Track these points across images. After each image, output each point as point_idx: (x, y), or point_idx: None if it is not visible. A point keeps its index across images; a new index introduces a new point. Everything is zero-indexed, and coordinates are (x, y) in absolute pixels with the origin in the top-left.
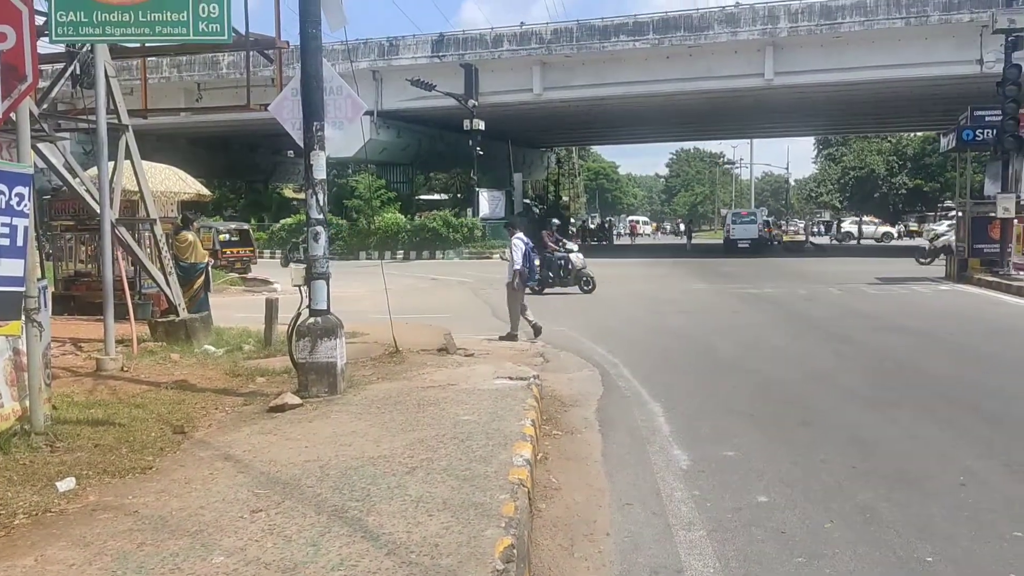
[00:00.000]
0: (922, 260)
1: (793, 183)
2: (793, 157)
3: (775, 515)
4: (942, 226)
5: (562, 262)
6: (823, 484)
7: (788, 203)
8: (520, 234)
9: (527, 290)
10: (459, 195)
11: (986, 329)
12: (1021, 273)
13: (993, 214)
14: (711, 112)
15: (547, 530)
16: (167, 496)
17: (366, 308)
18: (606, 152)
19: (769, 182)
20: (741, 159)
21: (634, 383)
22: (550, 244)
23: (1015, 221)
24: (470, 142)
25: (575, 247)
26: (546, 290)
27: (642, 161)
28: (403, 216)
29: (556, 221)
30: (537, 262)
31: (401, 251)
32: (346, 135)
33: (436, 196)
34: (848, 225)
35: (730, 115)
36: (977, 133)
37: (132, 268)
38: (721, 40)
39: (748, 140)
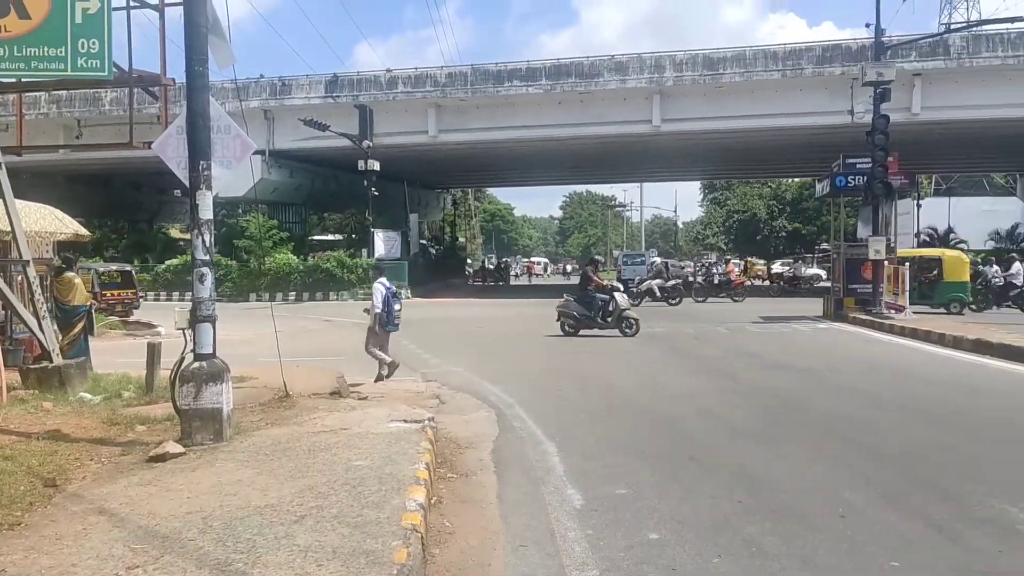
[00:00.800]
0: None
1: (681, 225)
2: (681, 200)
3: (666, 552)
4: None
5: (602, 302)
6: (712, 519)
7: (677, 245)
8: (383, 279)
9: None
10: (354, 235)
11: (862, 366)
12: (892, 312)
13: (866, 256)
14: (603, 156)
15: None
16: (36, 553)
17: (256, 351)
18: (502, 194)
19: (659, 224)
20: (632, 202)
21: (529, 423)
22: (595, 281)
23: (885, 262)
24: (365, 182)
25: (620, 287)
26: (582, 331)
27: (537, 203)
28: (296, 257)
29: (600, 259)
30: (398, 307)
31: (294, 292)
32: (235, 174)
33: (330, 236)
34: (778, 267)
35: (621, 159)
36: (849, 179)
37: (2, 312)
38: (611, 87)
39: (638, 183)
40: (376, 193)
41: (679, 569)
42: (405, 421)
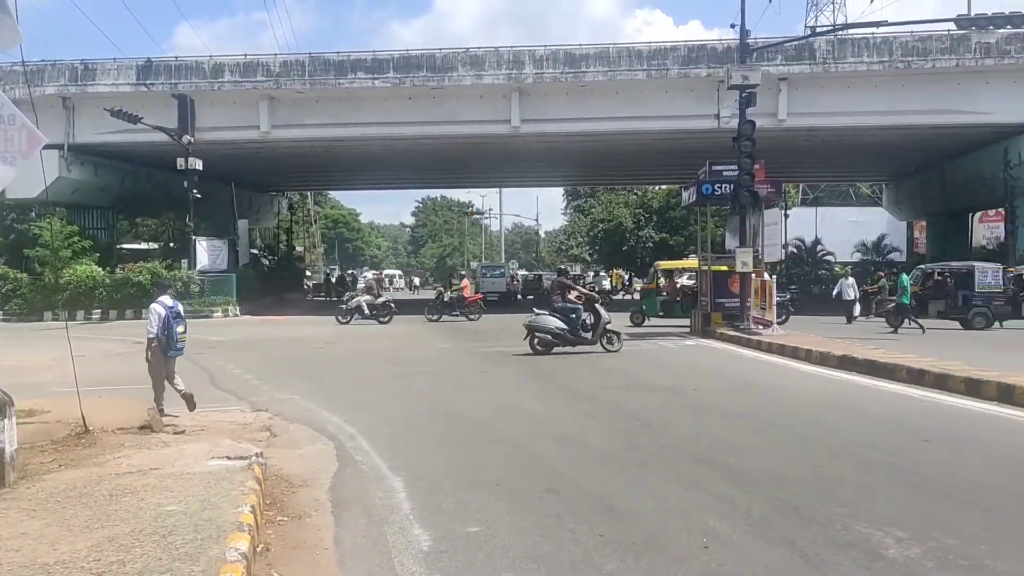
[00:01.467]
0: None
1: (543, 235)
2: (543, 208)
3: None
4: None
5: (585, 317)
6: (570, 556)
7: (539, 255)
8: (165, 297)
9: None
10: (172, 244)
11: (728, 385)
12: (759, 327)
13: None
14: (458, 158)
15: None
16: None
17: (50, 380)
18: (347, 198)
19: (520, 233)
20: (490, 209)
21: (373, 456)
22: (578, 290)
23: (753, 275)
24: (185, 183)
25: (597, 297)
26: (556, 349)
27: (387, 209)
28: (101, 269)
29: (576, 272)
30: (181, 328)
31: (99, 310)
32: (23, 172)
33: (144, 245)
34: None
35: (478, 162)
36: (716, 188)
37: None
38: (466, 83)
39: (497, 189)
40: (199, 195)
41: None
42: (228, 458)
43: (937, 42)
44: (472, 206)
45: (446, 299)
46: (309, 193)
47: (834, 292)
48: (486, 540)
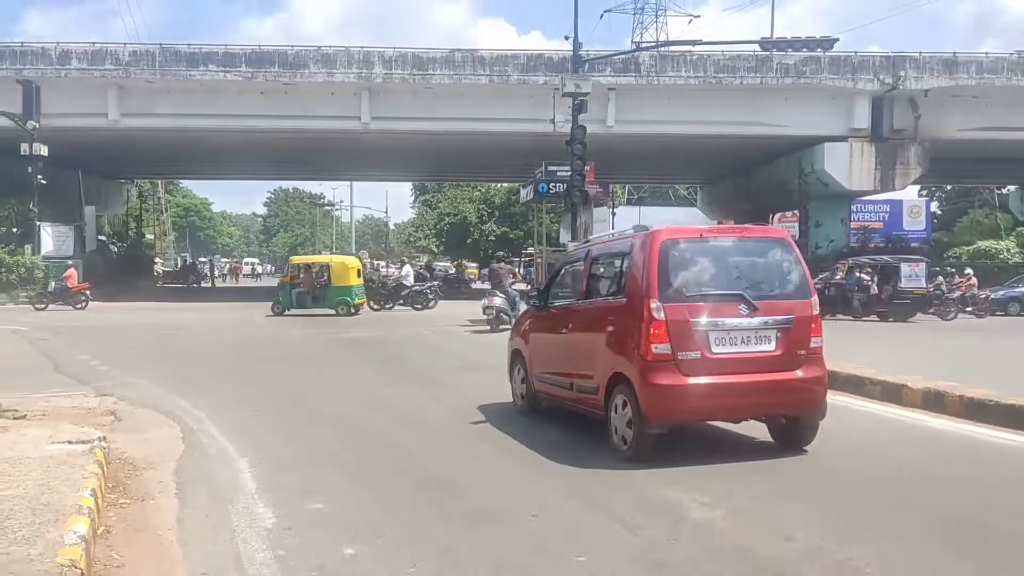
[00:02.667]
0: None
1: (393, 227)
2: (392, 201)
3: (361, 567)
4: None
5: (520, 298)
6: (410, 529)
7: (388, 246)
8: None
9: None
10: (15, 229)
11: None
12: None
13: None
14: (310, 152)
15: None
16: None
17: None
18: (199, 187)
19: (370, 225)
20: (342, 201)
21: (220, 439)
22: (516, 278)
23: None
24: (29, 169)
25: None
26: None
27: (239, 199)
28: None
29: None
30: None
31: None
32: None
33: None
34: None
35: (329, 156)
36: (551, 186)
37: None
38: (317, 80)
39: (348, 182)
40: (43, 181)
41: None
42: (70, 442)
43: (744, 61)
44: (324, 198)
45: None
46: (160, 181)
47: None
48: (329, 516)
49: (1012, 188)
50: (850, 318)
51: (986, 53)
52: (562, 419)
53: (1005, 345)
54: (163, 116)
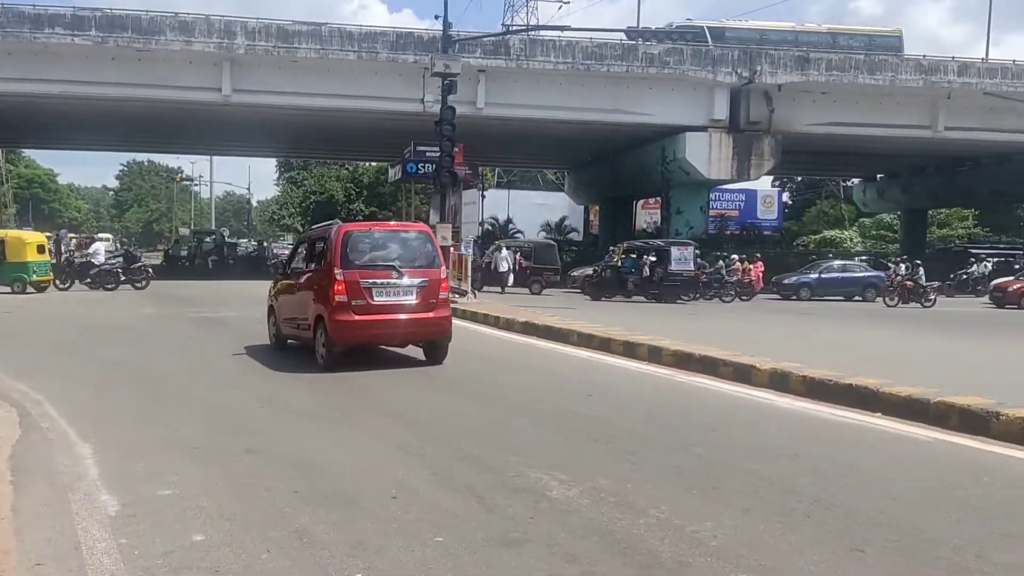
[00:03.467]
0: None
1: (256, 204)
2: (256, 177)
3: (210, 553)
4: None
5: None
6: (264, 513)
7: (251, 224)
8: None
9: None
10: None
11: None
12: (456, 296)
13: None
14: (166, 123)
15: None
16: None
17: None
18: (44, 157)
19: (231, 202)
20: (201, 176)
21: (60, 423)
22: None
23: (452, 249)
24: None
25: None
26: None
27: (88, 171)
28: None
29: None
30: None
31: None
32: None
33: None
34: None
35: (188, 128)
36: (420, 167)
37: None
38: (175, 48)
39: (208, 157)
40: None
41: (223, 570)
42: None
43: (611, 49)
44: (181, 172)
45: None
46: (0, 150)
47: (484, 262)
48: (177, 502)
49: (856, 181)
50: (623, 299)
51: (835, 52)
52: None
53: (750, 319)
54: (3, 80)
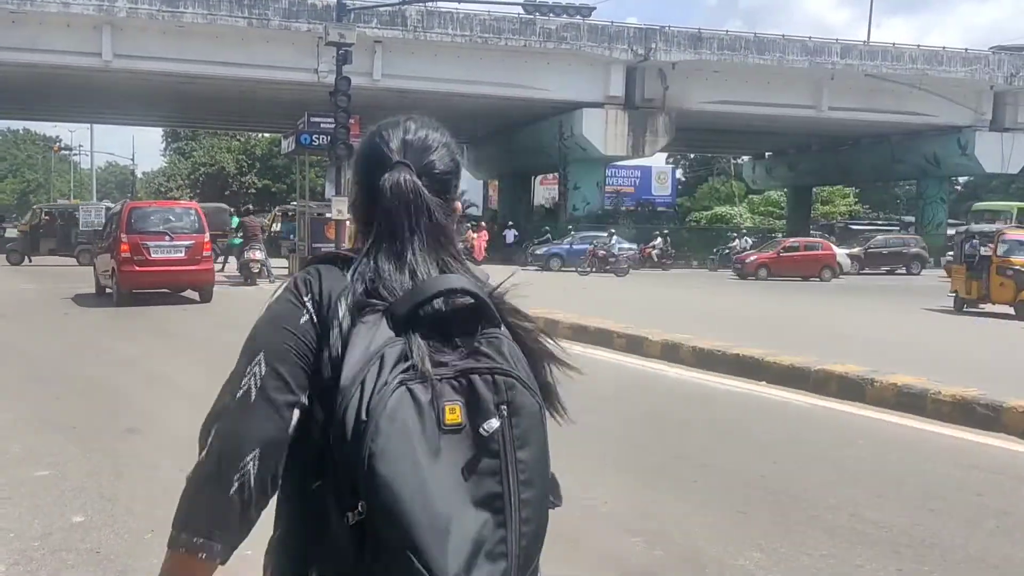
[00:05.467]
0: None
1: (141, 175)
2: (140, 147)
3: (91, 535)
4: None
5: None
6: (148, 493)
7: (135, 196)
8: None
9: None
10: None
11: None
12: None
13: (330, 215)
14: (42, 89)
15: None
16: None
17: None
18: None
19: (115, 172)
20: (81, 146)
21: None
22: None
23: (347, 223)
24: None
25: None
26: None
27: None
28: None
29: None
30: None
31: None
32: None
33: None
34: None
35: (65, 95)
36: (314, 138)
37: None
38: (51, 10)
39: (89, 125)
40: None
41: (104, 551)
42: None
43: (509, 23)
44: (60, 141)
45: None
46: None
47: None
48: (56, 483)
49: (746, 159)
50: None
51: (727, 31)
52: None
53: None
54: None
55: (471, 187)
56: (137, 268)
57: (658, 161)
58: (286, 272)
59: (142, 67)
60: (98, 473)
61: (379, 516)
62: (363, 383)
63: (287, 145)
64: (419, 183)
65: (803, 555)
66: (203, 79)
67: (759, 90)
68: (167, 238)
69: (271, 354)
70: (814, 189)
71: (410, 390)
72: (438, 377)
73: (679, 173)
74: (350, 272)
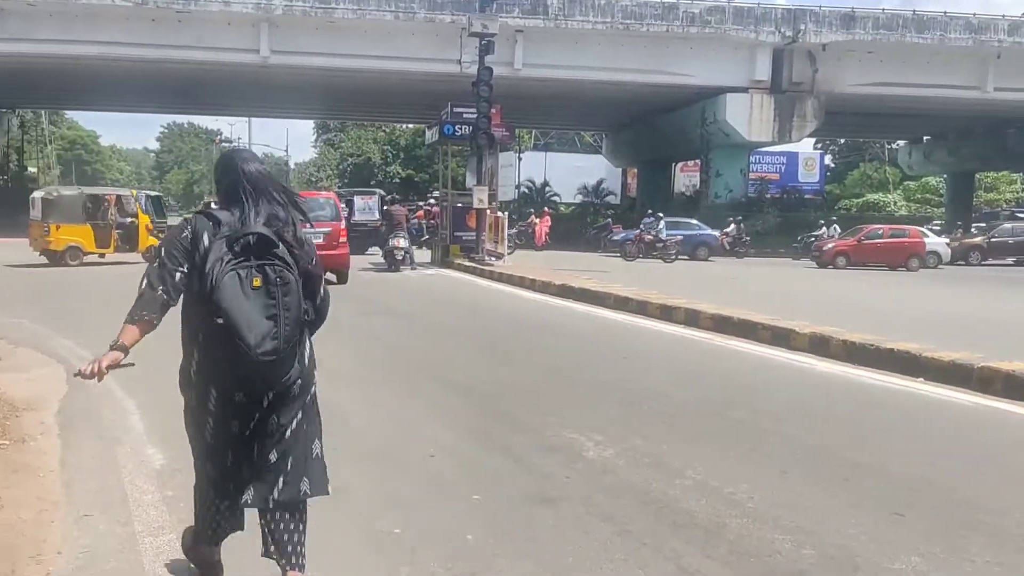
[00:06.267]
0: None
1: (294, 166)
2: (293, 139)
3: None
4: None
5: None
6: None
7: (288, 186)
8: None
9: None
10: None
11: (461, 310)
12: (491, 258)
13: (471, 204)
14: (205, 85)
15: None
16: None
17: None
18: (85, 119)
19: (270, 164)
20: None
21: (107, 379)
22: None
23: (488, 211)
24: None
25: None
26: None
27: (130, 133)
28: None
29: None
30: None
31: None
32: None
33: None
34: None
35: (226, 90)
36: (457, 128)
37: None
38: (213, 9)
39: (247, 119)
40: None
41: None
42: None
43: (651, 8)
44: (220, 134)
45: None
46: (43, 112)
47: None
48: None
49: (901, 143)
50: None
51: (882, 9)
52: (469, 362)
53: None
54: (44, 42)
55: (610, 175)
56: None
57: (805, 147)
58: (428, 260)
59: (296, 62)
60: None
61: (225, 321)
62: (214, 269)
63: (431, 135)
64: (265, 169)
65: (966, 562)
66: (352, 72)
67: (917, 71)
68: (308, 225)
69: (167, 247)
70: (976, 175)
71: (237, 272)
72: (249, 266)
73: (828, 159)
74: (216, 218)
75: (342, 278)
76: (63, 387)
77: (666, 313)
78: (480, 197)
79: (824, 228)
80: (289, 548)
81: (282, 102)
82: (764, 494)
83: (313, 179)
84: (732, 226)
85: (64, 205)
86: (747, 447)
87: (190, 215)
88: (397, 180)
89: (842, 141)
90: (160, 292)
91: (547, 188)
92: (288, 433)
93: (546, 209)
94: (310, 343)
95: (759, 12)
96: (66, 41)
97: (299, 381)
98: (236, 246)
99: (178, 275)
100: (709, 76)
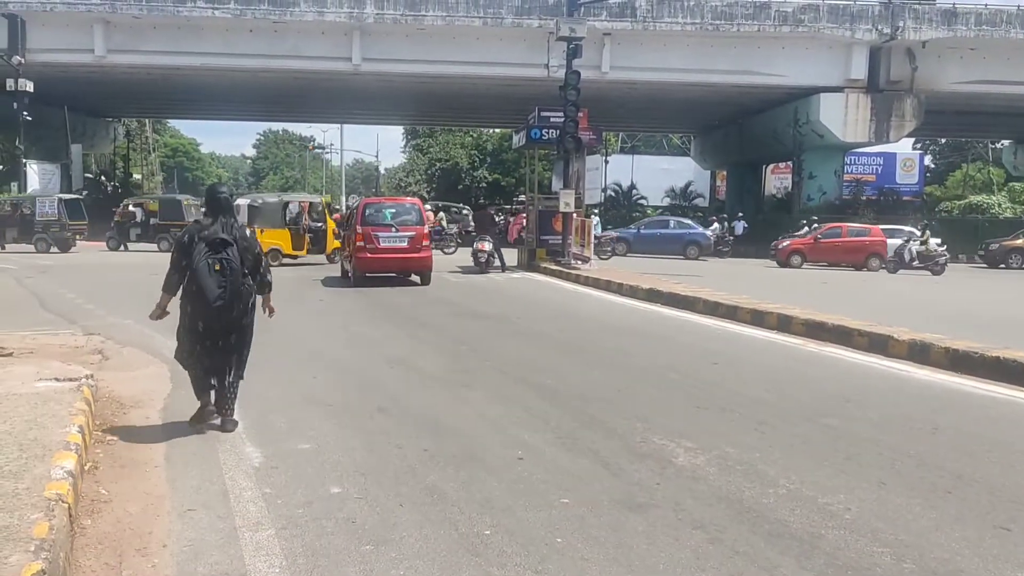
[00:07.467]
0: None
1: (383, 171)
2: (383, 145)
3: (347, 505)
4: None
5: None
6: (395, 469)
7: (378, 190)
8: None
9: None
10: (1, 167)
11: (548, 313)
12: (578, 262)
13: (557, 208)
14: (299, 93)
15: (92, 548)
16: None
17: None
18: (187, 127)
19: (360, 169)
20: (332, 144)
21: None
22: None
23: (575, 215)
24: (15, 105)
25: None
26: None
27: (228, 140)
28: None
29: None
30: None
31: None
32: None
33: None
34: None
35: (319, 97)
36: (544, 132)
37: None
38: (308, 19)
39: (339, 125)
40: (29, 118)
41: (359, 521)
42: (57, 380)
43: (742, 8)
44: (313, 140)
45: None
46: (147, 121)
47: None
48: (315, 456)
49: (1006, 143)
50: None
51: (985, 5)
52: (556, 366)
53: None
54: (149, 53)
55: (698, 178)
56: (369, 255)
57: (903, 147)
58: (515, 263)
59: (387, 69)
60: (353, 449)
61: (198, 288)
62: (195, 259)
63: (518, 140)
64: (227, 196)
65: None
66: (441, 78)
67: (1023, 68)
68: (393, 229)
69: (176, 251)
70: None
71: (207, 261)
72: (215, 257)
73: (928, 159)
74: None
75: (425, 279)
76: (167, 385)
77: (757, 318)
78: (567, 201)
79: (806, 228)
80: (227, 405)
81: (372, 109)
82: (862, 505)
83: (403, 184)
84: (716, 225)
85: (267, 211)
86: (843, 456)
87: (191, 223)
88: (484, 184)
89: (943, 141)
90: (175, 276)
91: (634, 191)
92: (234, 341)
93: (519, 211)
94: (255, 298)
95: (855, 9)
96: (169, 52)
97: (244, 319)
98: (209, 244)
99: (183, 264)
100: (802, 76)
